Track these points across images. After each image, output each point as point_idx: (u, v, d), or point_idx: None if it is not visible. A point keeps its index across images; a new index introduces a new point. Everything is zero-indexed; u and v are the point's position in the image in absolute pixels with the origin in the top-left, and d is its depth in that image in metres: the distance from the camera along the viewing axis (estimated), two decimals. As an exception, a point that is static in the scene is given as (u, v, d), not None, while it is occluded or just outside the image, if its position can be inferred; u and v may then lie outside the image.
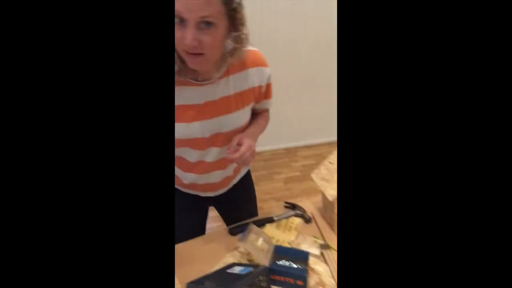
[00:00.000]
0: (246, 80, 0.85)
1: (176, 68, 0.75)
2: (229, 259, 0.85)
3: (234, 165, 0.97)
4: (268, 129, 1.02)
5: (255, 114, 0.96)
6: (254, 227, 0.86)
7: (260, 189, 2.44)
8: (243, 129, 0.90)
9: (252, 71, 0.85)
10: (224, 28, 0.71)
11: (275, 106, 1.01)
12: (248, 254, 0.85)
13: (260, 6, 2.43)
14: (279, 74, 1.81)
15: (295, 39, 2.64)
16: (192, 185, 0.98)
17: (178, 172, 0.96)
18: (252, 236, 0.84)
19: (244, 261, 0.84)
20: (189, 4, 0.63)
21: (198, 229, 1.07)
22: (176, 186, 1.01)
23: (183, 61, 0.75)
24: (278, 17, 2.52)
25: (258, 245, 0.83)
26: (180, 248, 0.90)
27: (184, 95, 0.80)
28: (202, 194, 1.01)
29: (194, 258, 0.86)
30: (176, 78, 0.77)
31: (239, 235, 0.88)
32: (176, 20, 0.66)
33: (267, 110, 1.01)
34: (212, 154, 0.89)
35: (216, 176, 0.96)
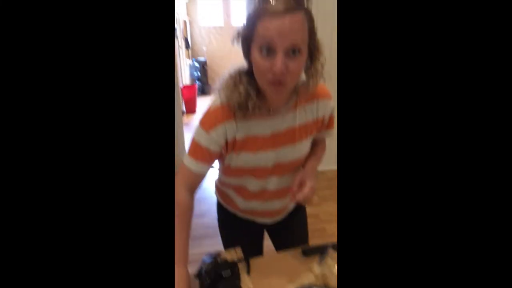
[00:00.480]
0: (311, 112, 0.87)
1: (250, 105, 0.77)
2: (304, 280, 0.86)
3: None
4: (332, 148, 1.01)
5: (313, 145, 0.96)
6: (332, 252, 0.87)
7: (324, 210, 2.41)
8: (303, 159, 0.92)
9: (317, 103, 0.87)
10: (305, 56, 0.73)
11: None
12: (323, 277, 0.86)
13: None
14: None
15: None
16: (250, 211, 1.02)
17: (238, 199, 1.00)
18: (329, 261, 0.84)
19: (319, 284, 0.84)
20: (282, 30, 0.66)
21: (256, 250, 1.11)
22: (233, 211, 1.05)
23: (258, 96, 0.78)
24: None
25: (334, 271, 0.83)
26: (254, 262, 0.93)
27: (254, 127, 0.82)
28: (259, 220, 1.05)
29: (270, 273, 0.89)
30: (249, 112, 0.78)
31: (318, 258, 0.89)
32: (263, 50, 0.69)
33: (324, 140, 1.01)
34: (273, 183, 0.92)
35: (276, 204, 1.00)
